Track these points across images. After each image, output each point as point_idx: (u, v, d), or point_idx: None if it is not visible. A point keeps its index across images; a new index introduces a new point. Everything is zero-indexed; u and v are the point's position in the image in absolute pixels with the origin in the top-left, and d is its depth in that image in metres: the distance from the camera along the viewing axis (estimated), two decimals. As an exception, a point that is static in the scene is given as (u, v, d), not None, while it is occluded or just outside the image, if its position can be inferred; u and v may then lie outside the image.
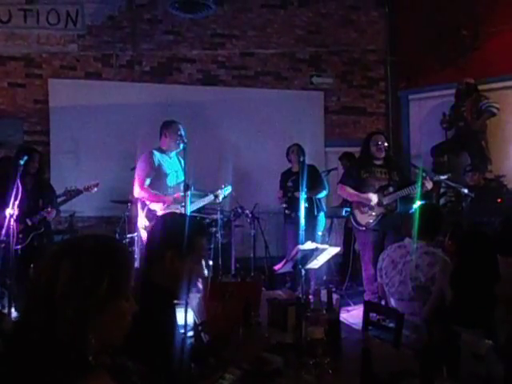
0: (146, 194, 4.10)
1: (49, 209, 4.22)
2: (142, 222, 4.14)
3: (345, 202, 5.59)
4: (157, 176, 4.15)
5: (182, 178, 3.97)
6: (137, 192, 4.14)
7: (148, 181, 4.12)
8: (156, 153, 4.19)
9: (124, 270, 1.11)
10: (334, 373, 1.35)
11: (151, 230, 1.79)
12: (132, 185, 4.92)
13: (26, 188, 3.80)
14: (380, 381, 1.26)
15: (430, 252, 2.86)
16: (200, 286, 1.73)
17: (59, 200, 4.53)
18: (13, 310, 3.71)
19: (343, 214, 5.92)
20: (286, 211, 5.18)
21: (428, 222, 2.96)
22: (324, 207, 5.33)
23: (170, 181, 4.18)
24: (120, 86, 6.43)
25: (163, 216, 1.85)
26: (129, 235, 4.91)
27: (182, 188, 3.82)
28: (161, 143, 4.25)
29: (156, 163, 4.15)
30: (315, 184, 5.06)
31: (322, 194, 5.20)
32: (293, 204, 5.00)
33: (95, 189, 4.40)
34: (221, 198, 4.34)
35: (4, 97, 6.16)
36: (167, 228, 1.67)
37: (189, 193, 3.84)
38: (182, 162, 4.21)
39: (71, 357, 0.98)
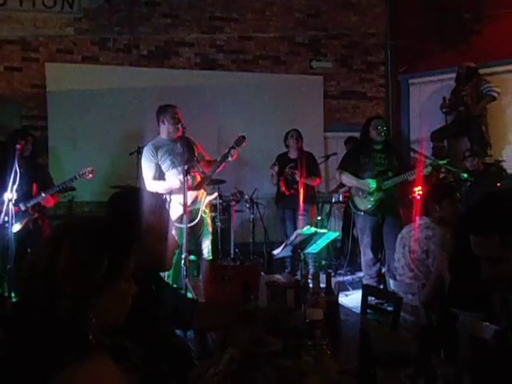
0: (156, 186, 3.97)
1: (43, 194, 4.18)
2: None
3: (341, 186, 5.60)
4: (160, 171, 4.07)
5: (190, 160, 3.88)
6: (149, 187, 4.02)
7: (156, 174, 4.04)
8: (152, 149, 4.08)
9: (124, 252, 1.11)
10: (333, 354, 1.36)
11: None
12: (131, 169, 4.90)
13: (20, 172, 3.77)
14: (378, 361, 1.26)
15: (431, 227, 2.94)
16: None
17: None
18: (13, 294, 3.73)
19: (340, 199, 5.91)
20: (282, 190, 5.17)
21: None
22: (315, 194, 5.34)
23: (175, 171, 4.04)
24: (117, 70, 6.37)
25: (110, 200, 1.68)
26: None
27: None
28: (160, 131, 4.14)
29: (155, 160, 4.05)
30: (311, 172, 5.06)
31: (317, 183, 5.22)
32: (289, 185, 5.01)
33: (90, 175, 4.36)
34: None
35: (1, 81, 6.10)
36: (112, 214, 1.57)
37: (188, 178, 3.81)
38: (189, 137, 4.12)
39: (71, 336, 0.99)
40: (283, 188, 5.20)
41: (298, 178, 4.88)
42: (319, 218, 5.21)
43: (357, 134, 5.07)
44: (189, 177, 3.58)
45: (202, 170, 4.09)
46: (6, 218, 3.79)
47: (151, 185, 4.03)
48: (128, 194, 1.72)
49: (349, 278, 5.37)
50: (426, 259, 2.90)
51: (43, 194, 4.18)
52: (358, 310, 2.57)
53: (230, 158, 3.95)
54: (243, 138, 4.02)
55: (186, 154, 3.74)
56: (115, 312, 1.10)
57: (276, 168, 5.26)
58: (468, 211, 1.47)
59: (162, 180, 4.04)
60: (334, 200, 5.98)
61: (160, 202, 1.63)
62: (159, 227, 1.55)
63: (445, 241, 2.85)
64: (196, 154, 4.10)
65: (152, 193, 1.77)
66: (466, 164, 5.37)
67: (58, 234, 1.09)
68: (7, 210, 3.75)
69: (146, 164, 4.09)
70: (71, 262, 1.03)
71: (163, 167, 4.06)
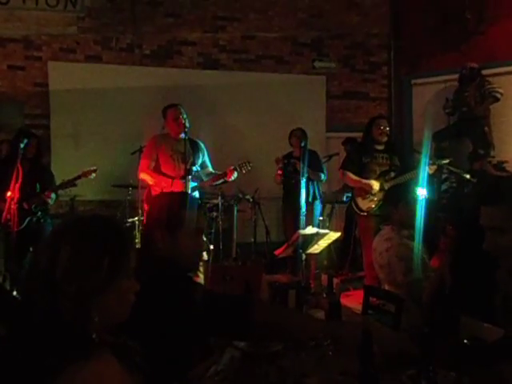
0: (148, 176, 4.13)
1: (46, 193, 4.21)
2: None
3: (346, 188, 5.59)
4: (157, 162, 4.17)
5: (192, 161, 3.98)
6: (140, 174, 4.21)
7: (152, 164, 4.15)
8: (157, 139, 4.20)
9: (124, 249, 1.12)
10: (334, 355, 1.36)
11: (146, 215, 1.82)
12: (133, 169, 4.92)
13: (24, 172, 3.79)
14: (380, 362, 1.26)
15: (389, 238, 2.86)
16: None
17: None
18: (14, 293, 3.73)
19: (344, 199, 5.93)
20: (284, 191, 5.19)
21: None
22: (320, 194, 5.33)
23: (171, 167, 4.14)
24: (120, 69, 6.37)
25: (154, 197, 1.87)
26: (130, 219, 4.92)
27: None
28: (168, 130, 4.23)
29: (156, 150, 4.15)
30: (315, 168, 5.05)
31: (320, 178, 5.20)
32: (290, 188, 5.01)
33: (93, 174, 4.39)
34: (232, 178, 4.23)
35: (4, 79, 6.11)
36: (155, 208, 1.70)
37: (189, 177, 3.86)
38: (200, 143, 4.25)
39: (74, 335, 0.99)
40: (280, 178, 5.15)
41: (298, 168, 4.83)
42: (321, 218, 5.20)
43: (358, 135, 5.07)
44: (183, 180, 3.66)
45: (198, 176, 4.16)
46: (9, 217, 3.79)
47: (143, 172, 4.15)
48: (161, 196, 1.95)
49: (350, 278, 5.35)
50: (390, 272, 2.81)
51: (46, 193, 4.20)
52: (360, 311, 2.57)
53: (227, 178, 4.08)
54: (248, 163, 4.13)
55: (189, 155, 3.79)
56: (118, 310, 1.09)
57: (280, 171, 5.24)
58: (482, 186, 1.59)
59: (156, 172, 4.12)
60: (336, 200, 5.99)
61: (184, 199, 1.72)
62: (189, 223, 1.62)
63: (400, 250, 2.76)
64: (198, 160, 4.17)
65: (180, 193, 1.93)
66: (474, 165, 5.35)
67: (58, 234, 1.09)
68: (10, 208, 3.76)
69: (147, 151, 4.21)
70: (71, 262, 1.03)
71: (161, 161, 4.14)
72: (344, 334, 1.44)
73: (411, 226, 2.89)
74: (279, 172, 5.18)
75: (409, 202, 2.91)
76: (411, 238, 2.88)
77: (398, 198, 2.94)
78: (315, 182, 5.15)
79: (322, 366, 1.29)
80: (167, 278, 1.53)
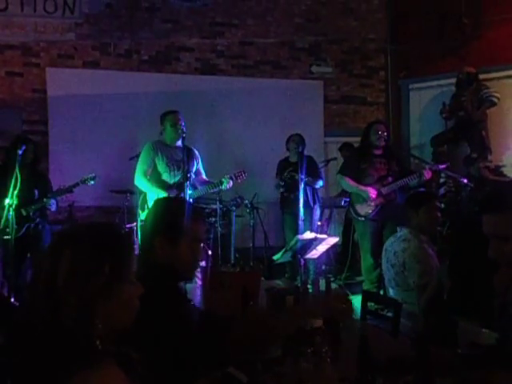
0: (143, 182, 4.15)
1: (44, 200, 4.21)
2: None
3: (344, 192, 5.60)
4: (154, 169, 4.20)
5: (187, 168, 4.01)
6: (135, 180, 4.23)
7: (149, 170, 4.18)
8: (154, 146, 4.20)
9: (124, 255, 1.12)
10: (333, 361, 1.36)
11: (144, 219, 1.82)
12: (131, 174, 4.94)
13: (22, 178, 3.79)
14: (378, 368, 1.26)
15: (407, 239, 2.89)
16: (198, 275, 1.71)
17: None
18: (12, 299, 3.72)
19: (342, 204, 5.94)
20: (285, 194, 5.19)
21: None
22: (319, 198, 5.33)
23: (167, 175, 4.17)
24: (118, 75, 6.39)
25: (154, 203, 1.85)
26: (128, 225, 4.92)
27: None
28: (164, 136, 4.24)
29: (153, 156, 4.16)
30: (312, 174, 5.06)
31: (318, 185, 5.21)
32: (290, 188, 5.02)
33: (92, 182, 4.41)
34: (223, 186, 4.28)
35: (2, 86, 6.12)
36: (155, 214, 1.68)
37: (188, 183, 3.87)
38: (194, 151, 4.28)
39: (78, 343, 0.98)
40: (285, 193, 5.20)
41: (297, 179, 4.85)
42: (319, 222, 5.20)
43: (356, 139, 5.08)
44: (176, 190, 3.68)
45: (192, 183, 4.17)
46: (7, 223, 3.79)
47: (140, 179, 4.18)
48: (163, 202, 1.91)
49: (349, 283, 5.35)
50: (403, 272, 2.84)
51: (45, 200, 4.20)
52: (358, 316, 2.57)
53: (222, 187, 4.10)
54: (243, 173, 4.18)
55: (185, 162, 3.82)
56: (123, 315, 1.10)
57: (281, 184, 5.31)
58: (485, 193, 1.56)
59: (153, 180, 4.14)
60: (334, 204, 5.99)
61: (187, 208, 1.71)
62: (190, 232, 1.61)
63: (418, 253, 2.79)
64: (193, 168, 4.19)
65: (183, 201, 1.92)
66: (470, 170, 5.37)
67: (59, 242, 1.09)
68: (8, 215, 3.76)
69: (143, 158, 4.22)
70: (72, 269, 1.04)
71: (158, 168, 4.15)
72: (318, 308, 1.46)
73: (430, 232, 2.93)
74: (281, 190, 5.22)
75: (431, 208, 2.95)
76: (429, 243, 2.91)
77: (420, 202, 2.96)
78: (312, 187, 5.15)
79: (320, 372, 1.30)
80: (165, 285, 1.52)
